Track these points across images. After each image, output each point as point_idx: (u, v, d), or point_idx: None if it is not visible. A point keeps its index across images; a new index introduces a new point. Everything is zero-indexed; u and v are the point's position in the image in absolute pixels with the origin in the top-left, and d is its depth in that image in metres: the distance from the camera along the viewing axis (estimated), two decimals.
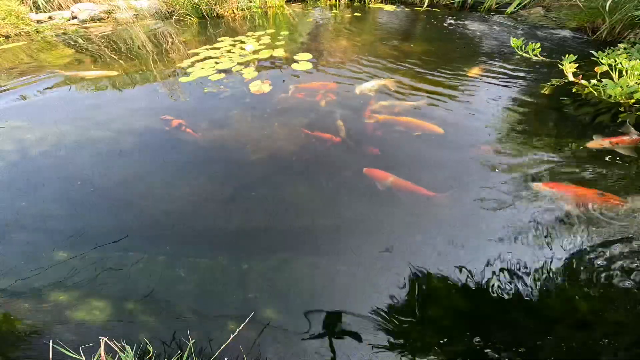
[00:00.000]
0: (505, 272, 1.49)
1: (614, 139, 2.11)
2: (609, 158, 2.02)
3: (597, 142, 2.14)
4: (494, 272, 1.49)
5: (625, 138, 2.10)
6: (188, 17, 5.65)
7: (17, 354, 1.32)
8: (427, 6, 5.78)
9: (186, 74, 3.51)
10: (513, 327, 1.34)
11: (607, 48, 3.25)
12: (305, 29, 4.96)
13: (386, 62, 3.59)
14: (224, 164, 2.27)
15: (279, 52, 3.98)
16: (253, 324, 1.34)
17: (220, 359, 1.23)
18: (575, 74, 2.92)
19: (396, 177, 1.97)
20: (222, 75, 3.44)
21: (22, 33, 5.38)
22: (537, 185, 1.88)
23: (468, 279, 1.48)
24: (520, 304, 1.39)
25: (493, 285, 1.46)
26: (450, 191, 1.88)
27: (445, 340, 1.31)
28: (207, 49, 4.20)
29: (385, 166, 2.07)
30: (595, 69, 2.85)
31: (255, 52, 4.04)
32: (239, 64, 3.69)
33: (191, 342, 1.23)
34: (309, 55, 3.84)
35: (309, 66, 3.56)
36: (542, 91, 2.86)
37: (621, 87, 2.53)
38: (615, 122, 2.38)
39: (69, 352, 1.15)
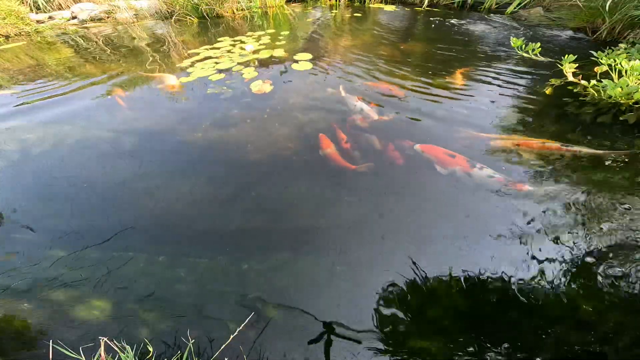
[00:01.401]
0: (505, 272, 1.49)
1: (519, 141, 2.19)
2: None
3: (501, 141, 2.21)
4: (493, 271, 1.50)
5: (533, 142, 2.17)
6: (188, 17, 5.65)
7: (17, 354, 1.32)
8: (427, 6, 5.78)
9: (186, 74, 3.51)
10: (513, 327, 1.34)
11: (607, 48, 3.25)
12: (305, 29, 4.96)
13: (386, 63, 3.59)
14: (225, 164, 2.27)
15: (279, 52, 3.98)
16: (253, 324, 1.34)
17: (220, 359, 1.23)
18: (575, 74, 2.93)
19: (333, 149, 2.24)
20: (222, 75, 3.44)
21: (22, 33, 5.37)
22: (416, 146, 2.18)
23: (467, 278, 1.48)
24: (519, 303, 1.39)
25: (493, 284, 1.46)
26: (366, 164, 2.11)
27: (445, 340, 1.31)
28: (207, 49, 4.20)
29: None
30: (595, 69, 2.85)
31: (255, 52, 4.05)
32: (239, 64, 3.70)
33: (191, 342, 1.23)
34: (309, 55, 3.84)
35: (309, 66, 3.56)
36: (542, 91, 2.86)
37: (621, 87, 2.53)
38: (615, 122, 2.39)
39: (69, 352, 1.15)
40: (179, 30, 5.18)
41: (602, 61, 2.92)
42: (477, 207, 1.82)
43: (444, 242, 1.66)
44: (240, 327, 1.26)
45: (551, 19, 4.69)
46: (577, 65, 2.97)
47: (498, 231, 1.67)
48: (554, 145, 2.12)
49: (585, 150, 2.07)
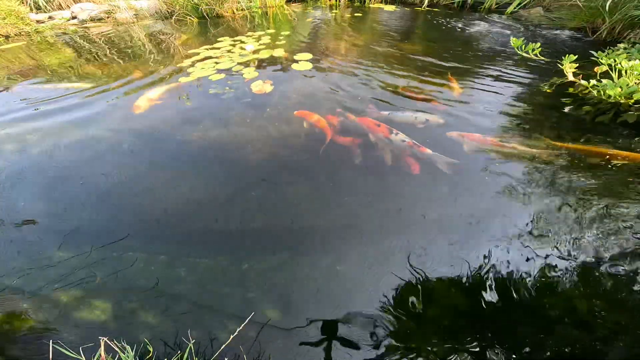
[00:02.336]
0: (505, 271, 1.49)
1: (464, 134, 2.32)
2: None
3: (454, 133, 2.35)
4: (494, 270, 1.50)
5: (477, 135, 2.31)
6: (188, 17, 5.65)
7: (17, 354, 1.32)
8: (427, 6, 5.78)
9: (187, 74, 3.51)
10: (512, 326, 1.34)
11: (607, 48, 3.25)
12: (305, 29, 4.96)
13: (386, 63, 3.59)
14: (225, 164, 2.27)
15: (279, 52, 3.99)
16: (253, 324, 1.34)
17: (220, 359, 1.23)
18: (575, 74, 2.93)
19: (320, 117, 2.52)
20: (222, 75, 3.44)
21: (22, 33, 5.37)
22: (356, 119, 2.53)
23: (468, 277, 1.48)
24: (519, 303, 1.39)
25: (493, 284, 1.46)
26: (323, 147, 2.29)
27: (446, 339, 1.31)
28: (207, 49, 4.20)
29: None
30: (595, 69, 2.85)
31: (256, 52, 4.05)
32: (239, 63, 3.70)
33: (191, 342, 1.23)
34: (309, 55, 3.85)
35: (309, 66, 3.56)
36: (542, 91, 2.86)
37: (620, 87, 2.53)
38: (615, 121, 2.39)
39: (69, 352, 1.15)
40: (179, 30, 5.18)
41: (602, 61, 2.92)
42: (479, 208, 1.82)
43: (445, 241, 1.66)
44: (240, 327, 1.26)
45: (551, 19, 4.69)
46: (577, 65, 2.98)
47: (500, 234, 1.67)
48: (494, 140, 2.27)
49: (519, 147, 2.19)
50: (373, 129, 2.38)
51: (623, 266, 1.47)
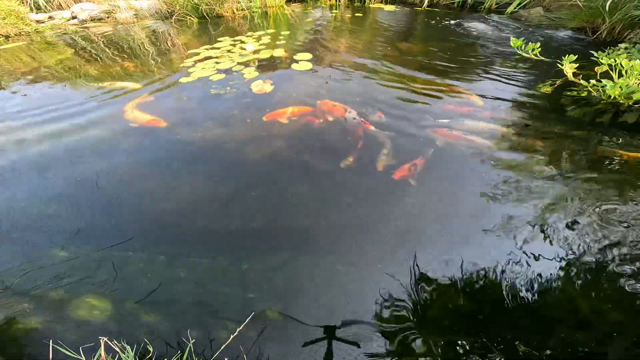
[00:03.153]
0: (506, 270, 1.49)
1: (436, 129, 2.42)
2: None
3: (428, 130, 2.43)
4: (494, 270, 1.50)
5: (444, 130, 2.40)
6: (188, 17, 5.65)
7: (17, 354, 1.32)
8: (427, 6, 5.78)
9: (187, 74, 3.51)
10: (513, 326, 1.34)
11: (607, 48, 3.25)
12: (305, 29, 4.96)
13: (387, 63, 3.59)
14: (225, 164, 2.27)
15: (279, 52, 3.99)
16: (253, 324, 1.34)
17: (220, 359, 1.23)
18: (575, 74, 2.93)
19: (294, 107, 2.72)
20: (223, 75, 3.44)
21: (22, 33, 5.37)
22: (318, 102, 2.80)
23: (469, 278, 1.48)
24: (520, 303, 1.39)
25: (493, 284, 1.46)
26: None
27: (445, 340, 1.31)
28: (207, 49, 4.20)
29: None
30: (595, 69, 2.85)
31: (256, 52, 4.05)
32: (239, 63, 3.70)
33: (191, 342, 1.23)
34: (309, 55, 3.84)
35: (309, 66, 3.56)
36: (542, 91, 2.86)
37: (620, 87, 2.53)
38: (615, 121, 2.39)
39: (69, 352, 1.15)
40: (179, 30, 5.18)
41: (602, 61, 2.92)
42: (478, 208, 1.82)
43: (445, 241, 1.66)
44: (240, 327, 1.26)
45: (551, 19, 4.69)
46: (577, 65, 2.97)
47: (497, 233, 1.67)
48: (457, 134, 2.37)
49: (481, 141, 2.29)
50: (331, 110, 2.69)
51: (626, 265, 1.47)
